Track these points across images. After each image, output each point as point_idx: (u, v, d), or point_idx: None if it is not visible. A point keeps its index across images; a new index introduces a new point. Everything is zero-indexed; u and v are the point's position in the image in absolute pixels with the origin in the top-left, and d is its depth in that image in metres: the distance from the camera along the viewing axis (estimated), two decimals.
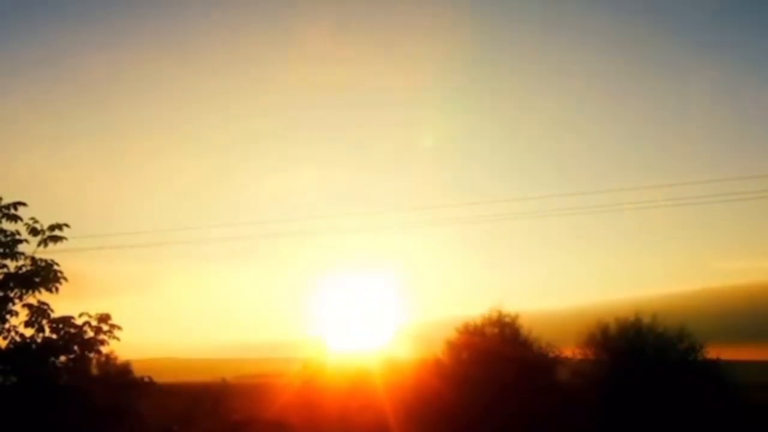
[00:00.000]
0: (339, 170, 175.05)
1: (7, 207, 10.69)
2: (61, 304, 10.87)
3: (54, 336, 10.61)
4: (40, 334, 10.56)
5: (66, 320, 10.66)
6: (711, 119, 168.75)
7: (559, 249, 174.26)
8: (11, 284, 10.55)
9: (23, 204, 10.72)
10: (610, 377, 23.01)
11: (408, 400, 22.96)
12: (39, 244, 10.70)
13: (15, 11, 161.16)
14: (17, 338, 10.53)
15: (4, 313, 10.49)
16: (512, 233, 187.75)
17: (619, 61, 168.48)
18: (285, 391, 27.30)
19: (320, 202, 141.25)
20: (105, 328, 10.81)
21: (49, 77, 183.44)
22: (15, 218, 10.67)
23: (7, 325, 10.52)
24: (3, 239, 10.67)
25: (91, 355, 10.95)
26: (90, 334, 10.73)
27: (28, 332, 10.56)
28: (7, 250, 10.66)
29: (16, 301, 10.56)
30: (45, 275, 10.61)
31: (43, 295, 10.64)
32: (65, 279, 10.79)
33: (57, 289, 10.70)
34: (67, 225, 10.79)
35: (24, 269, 10.66)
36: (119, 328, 10.91)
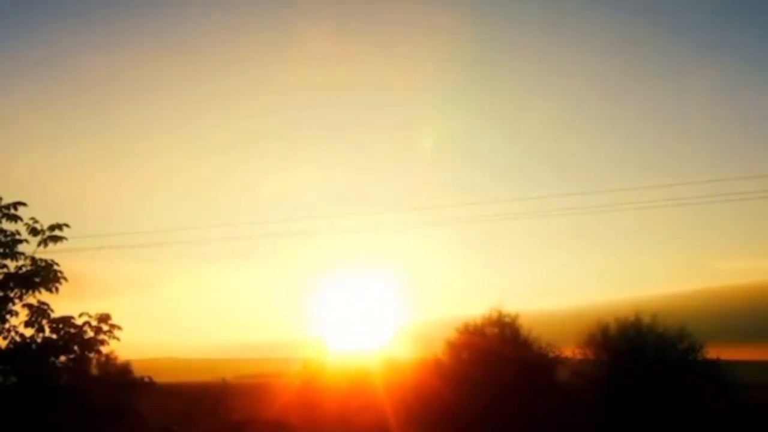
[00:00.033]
0: (339, 170, 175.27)
1: (7, 207, 10.69)
2: (61, 304, 10.89)
3: (54, 336, 10.61)
4: (40, 334, 10.56)
5: (66, 320, 10.66)
6: (711, 119, 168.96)
7: (559, 249, 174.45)
8: (11, 284, 10.55)
9: (23, 204, 10.72)
10: (610, 377, 23.01)
11: (408, 400, 22.96)
12: (39, 244, 10.71)
13: (15, 11, 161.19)
14: (17, 338, 10.53)
15: (4, 313, 10.49)
16: (512, 233, 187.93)
17: (619, 61, 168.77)
18: (285, 391, 27.29)
19: (320, 202, 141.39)
20: (105, 328, 10.81)
21: (49, 77, 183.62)
22: (15, 218, 10.67)
23: (7, 325, 10.52)
24: (3, 239, 10.68)
25: (91, 355, 10.95)
26: (90, 334, 10.73)
27: (28, 332, 10.57)
28: (7, 250, 10.66)
29: (16, 301, 10.57)
30: (45, 275, 10.61)
31: (43, 295, 10.66)
32: (65, 279, 10.80)
33: (57, 289, 10.71)
34: (67, 225, 10.80)
35: (24, 269, 10.66)
36: (119, 328, 10.92)
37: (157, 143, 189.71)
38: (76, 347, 10.68)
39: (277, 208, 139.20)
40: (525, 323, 24.51)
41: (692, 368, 22.39)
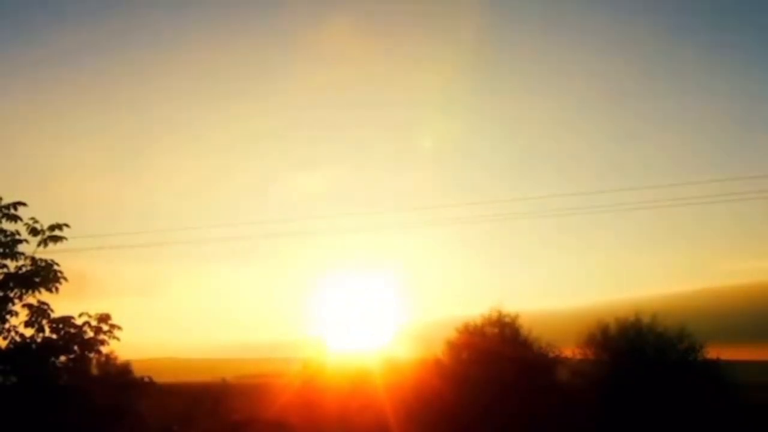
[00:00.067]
0: (339, 170, 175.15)
1: (7, 207, 10.69)
2: (61, 304, 10.88)
3: (54, 336, 10.60)
4: (40, 334, 10.56)
5: (66, 320, 10.66)
6: (711, 119, 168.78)
7: (559, 249, 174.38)
8: (11, 284, 10.54)
9: (23, 204, 10.71)
10: (610, 377, 23.01)
11: (408, 400, 22.96)
12: (39, 244, 10.70)
13: (15, 11, 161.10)
14: (17, 338, 10.52)
15: (4, 313, 10.49)
16: (512, 233, 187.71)
17: (619, 61, 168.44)
18: (285, 391, 27.29)
19: (320, 202, 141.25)
20: (105, 328, 10.81)
21: (49, 77, 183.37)
22: (15, 218, 10.67)
23: (7, 325, 10.52)
24: (3, 239, 10.67)
25: (91, 355, 10.94)
26: (90, 334, 10.72)
27: (28, 332, 10.56)
28: (7, 250, 10.65)
29: (16, 301, 10.56)
30: (45, 275, 10.61)
31: (43, 295, 10.65)
32: (65, 279, 10.79)
33: (57, 289, 10.70)
34: (67, 225, 10.79)
35: (24, 269, 10.65)
36: (119, 328, 10.91)
37: (157, 143, 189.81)
38: (76, 347, 10.67)
39: (276, 208, 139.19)
40: (525, 323, 24.55)
41: (692, 368, 22.39)
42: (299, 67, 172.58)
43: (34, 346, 10.52)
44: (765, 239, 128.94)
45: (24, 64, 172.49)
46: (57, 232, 10.73)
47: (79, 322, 10.72)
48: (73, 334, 10.65)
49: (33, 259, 10.69)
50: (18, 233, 10.70)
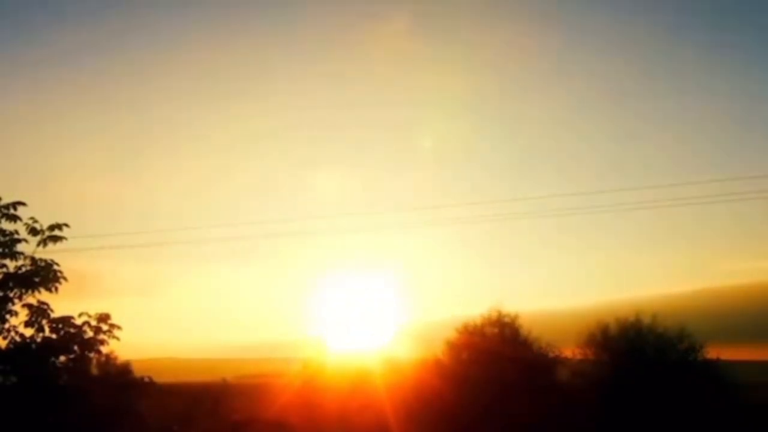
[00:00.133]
0: (339, 170, 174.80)
1: (7, 207, 10.69)
2: (61, 304, 10.88)
3: (54, 336, 10.60)
4: (40, 334, 10.55)
5: (66, 320, 10.65)
6: (711, 119, 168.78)
7: (559, 249, 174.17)
8: (11, 284, 10.54)
9: (22, 204, 10.72)
10: (610, 377, 23.01)
11: (408, 400, 22.96)
12: (38, 244, 10.70)
13: (15, 11, 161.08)
14: (17, 338, 10.52)
15: (3, 313, 10.49)
16: (512, 233, 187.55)
17: (619, 61, 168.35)
18: (285, 391, 27.30)
19: (320, 202, 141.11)
20: (104, 327, 10.81)
21: (49, 77, 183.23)
22: (14, 218, 10.67)
23: (7, 325, 10.51)
24: (2, 239, 10.67)
25: (91, 355, 10.94)
26: (89, 333, 10.72)
27: (28, 332, 10.56)
28: (7, 250, 10.65)
29: (16, 301, 10.56)
30: (45, 275, 10.61)
31: (43, 295, 10.65)
32: (65, 279, 10.79)
33: (57, 289, 10.70)
34: (66, 225, 10.79)
35: (24, 269, 10.65)
36: (119, 327, 10.91)
37: (157, 143, 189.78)
38: (76, 347, 10.67)
39: (276, 208, 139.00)
40: (525, 323, 24.56)
41: (692, 368, 22.39)
42: (299, 67, 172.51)
43: (34, 346, 10.51)
44: (765, 239, 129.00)
45: (24, 64, 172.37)
46: (57, 232, 10.74)
47: (78, 322, 10.73)
48: (73, 334, 10.65)
49: (33, 259, 10.69)
50: (17, 233, 10.71)
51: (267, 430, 24.19)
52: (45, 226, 10.73)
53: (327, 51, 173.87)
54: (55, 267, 10.74)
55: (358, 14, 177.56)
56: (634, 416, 21.12)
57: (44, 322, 10.56)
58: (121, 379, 21.85)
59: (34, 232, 10.70)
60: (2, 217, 10.66)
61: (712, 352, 22.48)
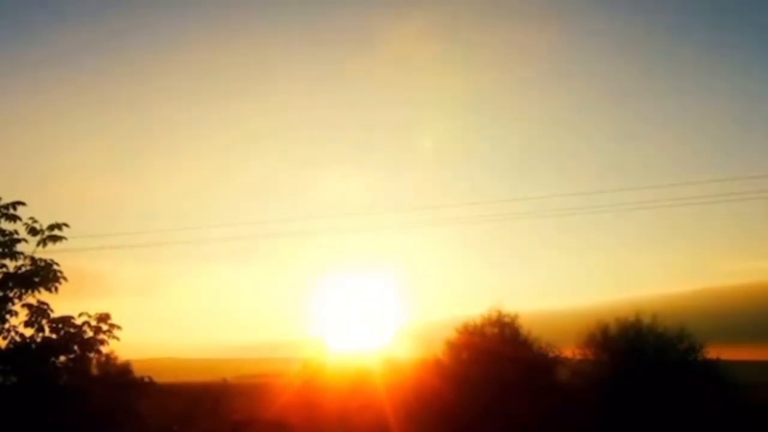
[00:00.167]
0: (339, 170, 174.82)
1: (6, 207, 10.68)
2: (62, 304, 10.88)
3: (54, 336, 10.60)
4: (40, 334, 10.55)
5: (66, 320, 10.65)
6: (711, 119, 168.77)
7: (559, 249, 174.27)
8: (11, 284, 10.54)
9: (22, 203, 10.71)
10: (610, 377, 23.01)
11: (408, 400, 22.96)
12: (38, 244, 10.70)
13: (15, 11, 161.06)
14: (17, 338, 10.52)
15: (3, 313, 10.48)
16: (512, 233, 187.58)
17: (619, 61, 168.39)
18: (285, 391, 27.30)
19: (320, 202, 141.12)
20: (104, 327, 10.80)
21: (49, 77, 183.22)
22: (14, 218, 10.67)
23: (7, 325, 10.51)
24: (2, 239, 10.67)
25: (91, 355, 10.94)
26: (89, 333, 10.72)
27: (28, 332, 10.56)
28: (6, 250, 10.65)
29: (16, 301, 10.56)
30: (44, 275, 10.61)
31: (43, 295, 10.65)
32: (65, 279, 10.79)
33: (56, 288, 10.70)
34: (66, 225, 10.79)
35: (23, 269, 10.65)
36: (119, 327, 10.91)
37: (157, 143, 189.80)
38: (75, 347, 10.67)
39: (276, 208, 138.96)
40: (525, 323, 24.56)
41: (692, 368, 22.39)
42: (299, 67, 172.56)
43: (33, 346, 10.51)
44: (765, 239, 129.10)
45: (24, 64, 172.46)
46: (56, 232, 10.74)
47: (78, 322, 10.73)
48: (73, 334, 10.65)
49: (32, 258, 10.69)
50: (17, 233, 10.71)
51: (267, 430, 24.20)
52: (45, 226, 10.73)
53: (327, 51, 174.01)
54: (55, 267, 10.74)
55: (358, 14, 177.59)
56: (634, 416, 21.11)
57: (44, 322, 10.56)
58: (121, 379, 21.84)
59: (33, 232, 10.70)
60: (2, 217, 10.66)
61: (712, 352, 22.50)
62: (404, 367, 26.00)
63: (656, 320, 23.02)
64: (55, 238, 10.70)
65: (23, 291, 10.53)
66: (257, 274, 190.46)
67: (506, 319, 24.54)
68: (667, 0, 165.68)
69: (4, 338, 10.51)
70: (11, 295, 10.51)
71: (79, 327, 10.69)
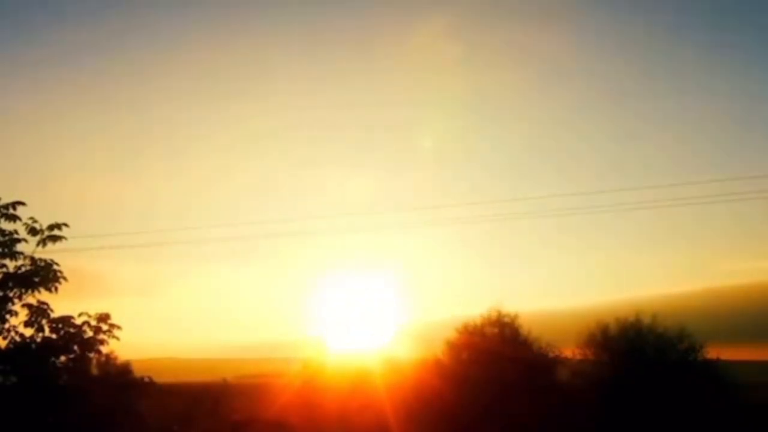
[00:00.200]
0: (339, 170, 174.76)
1: (6, 207, 10.68)
2: (62, 303, 10.88)
3: (54, 336, 10.60)
4: (40, 334, 10.55)
5: (65, 320, 10.65)
6: (711, 119, 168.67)
7: (559, 249, 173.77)
8: (11, 284, 10.54)
9: (22, 203, 10.71)
10: (610, 377, 23.02)
11: (408, 400, 22.96)
12: (38, 244, 10.70)
13: (15, 11, 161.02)
14: (17, 338, 10.52)
15: (3, 313, 10.48)
16: (512, 233, 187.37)
17: (619, 61, 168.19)
18: (285, 391, 27.31)
19: (320, 202, 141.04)
20: (104, 327, 10.81)
21: (49, 77, 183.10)
22: (13, 218, 10.67)
23: (6, 325, 10.51)
24: (2, 239, 10.67)
25: (91, 354, 10.94)
26: (89, 333, 10.72)
27: (28, 332, 10.56)
28: (6, 250, 10.65)
29: (16, 300, 10.56)
30: (44, 275, 10.60)
31: (43, 295, 10.64)
32: (65, 279, 10.78)
33: (56, 288, 10.70)
34: (66, 224, 10.79)
35: (23, 269, 10.65)
36: (119, 327, 10.91)
37: (157, 143, 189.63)
38: (75, 347, 10.67)
39: (276, 208, 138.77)
40: (525, 323, 24.57)
41: (692, 368, 22.40)
42: (299, 67, 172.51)
43: (33, 346, 10.51)
44: (765, 239, 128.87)
45: (24, 64, 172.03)
46: (56, 232, 10.73)
47: (78, 322, 10.73)
48: (73, 333, 10.65)
49: (32, 258, 10.69)
50: (17, 233, 10.71)
51: (267, 430, 24.21)
52: (45, 226, 10.73)
53: (327, 51, 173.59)
54: (55, 267, 10.74)
55: (358, 14, 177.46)
56: (634, 416, 21.12)
57: (44, 322, 10.56)
58: (121, 379, 21.84)
59: (33, 231, 10.70)
60: (2, 217, 10.66)
61: (712, 352, 22.51)
62: (404, 367, 26.01)
63: (656, 320, 23.06)
64: (55, 238, 10.70)
65: (23, 291, 10.53)
66: (257, 274, 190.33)
67: (506, 319, 24.56)
68: (667, 0, 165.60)
69: (4, 338, 10.51)
70: (11, 295, 10.51)
71: (79, 327, 10.70)
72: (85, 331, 10.70)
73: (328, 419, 23.82)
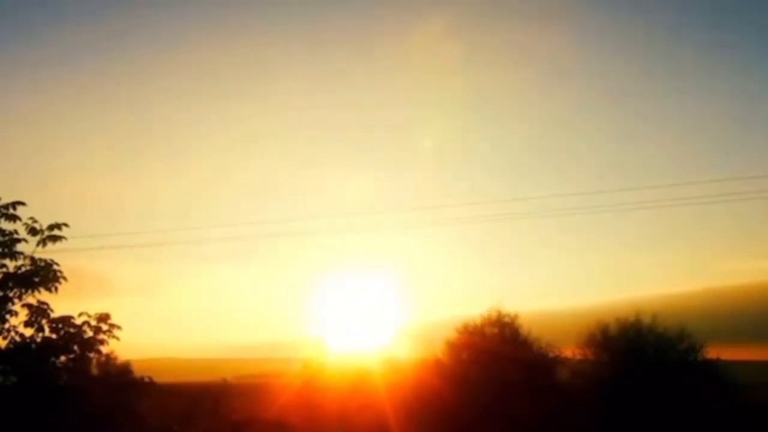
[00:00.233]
0: (339, 170, 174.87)
1: (6, 207, 10.68)
2: (61, 303, 10.88)
3: (54, 336, 10.60)
4: (40, 334, 10.55)
5: (65, 320, 10.65)
6: (711, 119, 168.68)
7: (559, 249, 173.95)
8: (11, 284, 10.54)
9: (22, 203, 10.71)
10: (610, 377, 23.02)
11: (408, 400, 22.96)
12: (38, 244, 10.70)
13: (15, 11, 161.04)
14: (17, 338, 10.52)
15: (3, 313, 10.48)
16: (512, 233, 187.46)
17: (619, 61, 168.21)
18: (285, 391, 27.31)
19: (320, 202, 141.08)
20: (104, 327, 10.81)
21: (49, 77, 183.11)
22: (13, 218, 10.67)
23: (6, 325, 10.51)
24: (2, 239, 10.67)
25: (91, 354, 10.94)
26: (89, 333, 10.72)
27: (28, 332, 10.56)
28: (6, 250, 10.65)
29: (16, 300, 10.56)
30: (44, 275, 10.61)
31: (43, 295, 10.65)
32: (65, 278, 10.78)
33: (56, 288, 10.70)
34: (66, 224, 10.79)
35: (23, 269, 10.65)
36: (119, 327, 10.91)
37: (157, 143, 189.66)
38: (75, 347, 10.68)
39: (276, 208, 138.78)
40: (525, 323, 24.57)
41: (692, 368, 22.40)
42: (299, 67, 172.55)
43: (33, 346, 10.52)
44: (765, 239, 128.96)
45: (24, 64, 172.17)
46: (56, 232, 10.73)
47: (78, 322, 10.73)
48: (73, 333, 10.65)
49: (32, 258, 10.69)
50: (17, 233, 10.71)
51: (267, 430, 24.21)
52: (45, 226, 10.73)
53: (327, 51, 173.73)
54: (55, 267, 10.74)
55: (358, 14, 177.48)
56: (634, 416, 21.12)
57: (44, 322, 10.56)
58: (121, 379, 21.86)
59: (33, 231, 10.70)
60: (2, 217, 10.66)
61: (712, 352, 22.51)
62: (404, 367, 26.02)
63: (656, 320, 23.06)
64: (55, 238, 10.71)
65: (23, 291, 10.53)
66: (257, 274, 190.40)
67: (506, 319, 24.56)
68: (667, 0, 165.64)
69: (4, 338, 10.51)
70: (11, 295, 10.51)
71: (79, 327, 10.70)
72: (85, 331, 10.71)
73: (328, 419, 23.82)
